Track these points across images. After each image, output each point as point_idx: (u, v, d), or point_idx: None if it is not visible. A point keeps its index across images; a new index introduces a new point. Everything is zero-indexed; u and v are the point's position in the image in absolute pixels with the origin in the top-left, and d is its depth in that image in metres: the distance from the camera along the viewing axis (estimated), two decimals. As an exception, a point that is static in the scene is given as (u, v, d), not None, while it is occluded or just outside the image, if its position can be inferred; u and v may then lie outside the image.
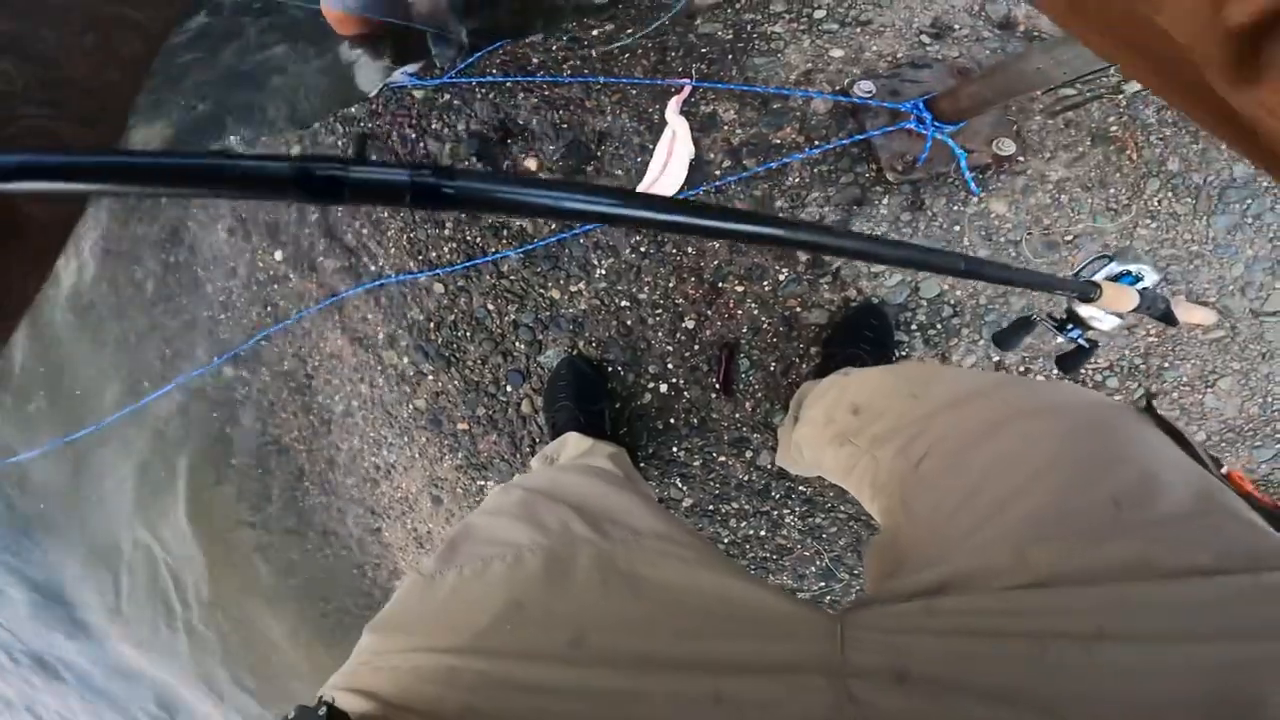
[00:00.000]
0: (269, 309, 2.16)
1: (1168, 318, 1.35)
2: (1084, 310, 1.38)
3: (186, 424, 2.41)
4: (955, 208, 1.52)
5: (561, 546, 0.74)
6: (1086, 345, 1.49)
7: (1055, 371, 1.59)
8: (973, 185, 1.50)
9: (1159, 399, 1.62)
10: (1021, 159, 1.50)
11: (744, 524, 1.82)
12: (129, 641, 2.90)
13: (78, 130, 0.32)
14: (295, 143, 2.04)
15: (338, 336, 2.08)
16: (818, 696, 0.56)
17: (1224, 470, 0.69)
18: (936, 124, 1.45)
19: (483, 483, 2.00)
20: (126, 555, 2.71)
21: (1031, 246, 1.53)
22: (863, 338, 1.53)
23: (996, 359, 1.59)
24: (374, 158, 0.30)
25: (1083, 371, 1.59)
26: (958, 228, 1.53)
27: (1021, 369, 1.60)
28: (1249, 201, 1.56)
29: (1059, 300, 1.56)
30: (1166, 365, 1.61)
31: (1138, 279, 1.34)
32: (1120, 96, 1.52)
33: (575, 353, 1.81)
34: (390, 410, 2.07)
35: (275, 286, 2.14)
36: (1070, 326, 1.42)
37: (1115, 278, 1.32)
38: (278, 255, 2.12)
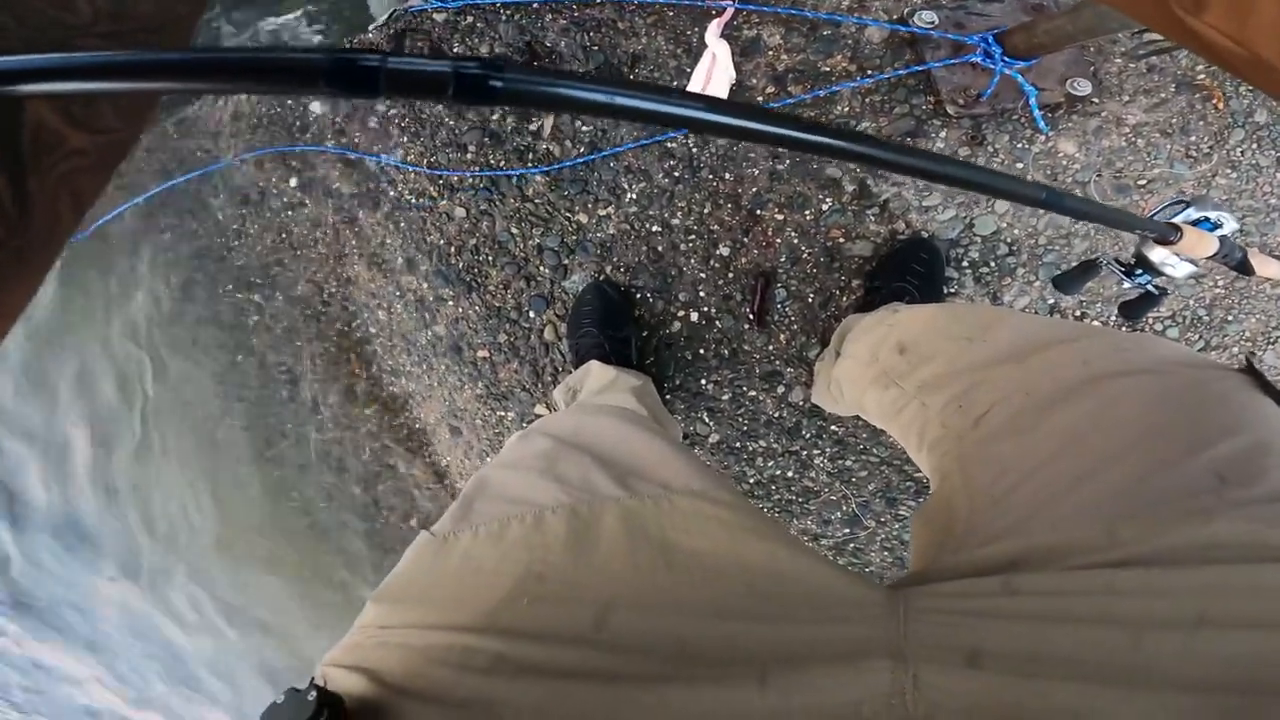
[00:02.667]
0: (283, 236, 2.00)
1: (1243, 267, 1.22)
2: (1156, 255, 1.24)
3: (196, 352, 2.27)
4: (1019, 145, 1.37)
5: (585, 506, 0.64)
6: (1155, 292, 1.35)
7: (1115, 317, 1.45)
8: (1041, 123, 1.34)
9: (1219, 352, 1.48)
10: (1096, 101, 1.34)
11: (771, 463, 1.69)
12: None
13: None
14: (343, 121, 1.86)
15: (355, 260, 1.93)
16: (877, 680, 0.48)
17: None
18: (1006, 59, 1.28)
19: (502, 413, 1.87)
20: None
21: (1100, 189, 1.37)
22: (911, 272, 1.38)
23: (1051, 302, 1.45)
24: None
25: (1103, 270, 1.45)
26: (1020, 165, 1.38)
27: (1077, 314, 1.46)
28: None
29: (1125, 243, 1.42)
30: (1230, 319, 1.48)
31: (1216, 226, 1.20)
32: None
33: (602, 278, 1.66)
34: (408, 337, 1.93)
35: (290, 213, 1.98)
36: (1139, 271, 1.29)
37: (1193, 223, 1.19)
38: (293, 182, 1.95)
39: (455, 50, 1.70)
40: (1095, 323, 1.45)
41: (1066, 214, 0.82)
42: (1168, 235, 1.01)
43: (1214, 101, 1.37)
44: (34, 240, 0.28)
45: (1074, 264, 1.43)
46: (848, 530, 1.73)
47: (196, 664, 2.80)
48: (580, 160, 1.62)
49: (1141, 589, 0.46)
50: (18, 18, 0.25)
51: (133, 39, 0.30)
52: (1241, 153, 1.42)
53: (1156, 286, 1.34)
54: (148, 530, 2.57)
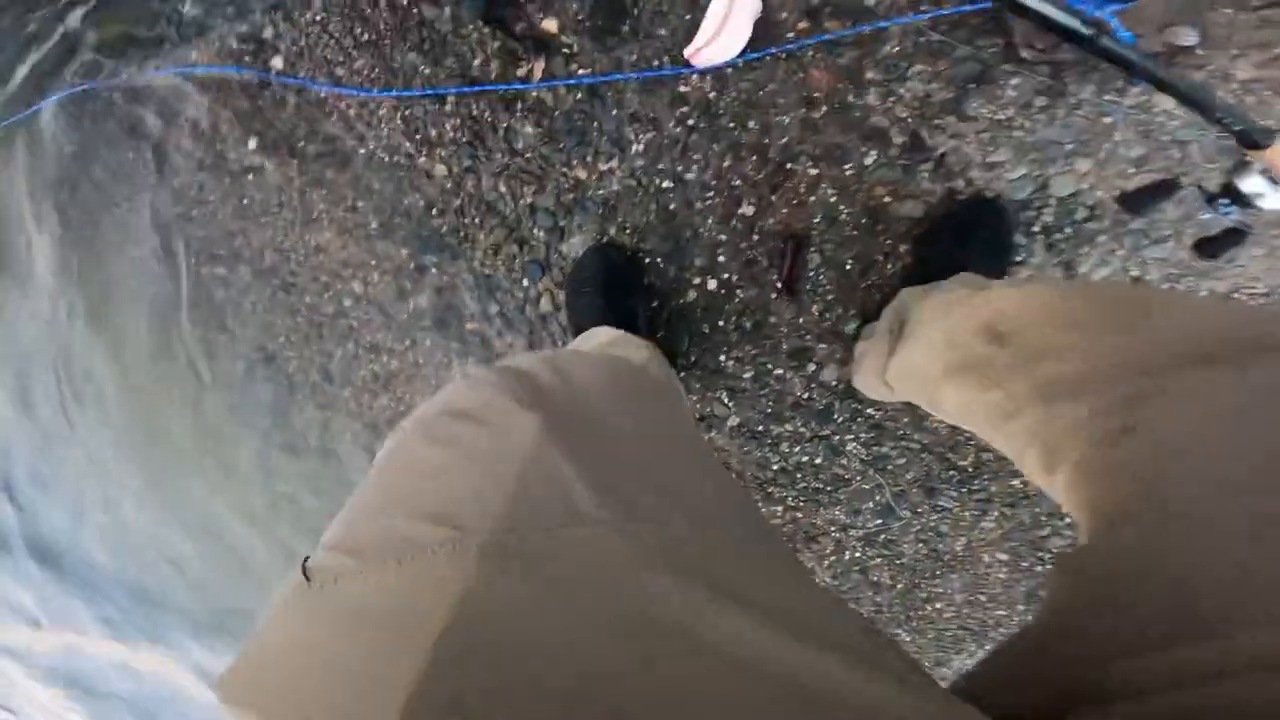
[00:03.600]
0: (243, 201, 1.74)
1: None
2: (1248, 183, 1.01)
3: (163, 335, 2.01)
4: (1107, 97, 1.12)
5: (542, 539, 0.40)
6: (1241, 228, 1.12)
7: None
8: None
9: None
10: (1202, 52, 1.09)
11: (797, 449, 1.49)
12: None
13: None
14: (262, 31, 1.57)
15: (323, 227, 1.67)
16: None
17: None
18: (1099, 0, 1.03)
19: (496, 394, 1.64)
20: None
21: (1204, 150, 1.13)
22: (974, 238, 1.15)
23: (1136, 275, 1.22)
24: None
25: (1233, 298, 1.23)
26: (1108, 119, 1.14)
27: (1165, 286, 1.23)
28: None
29: (1214, 173, 1.18)
30: None
31: None
32: None
33: (605, 241, 1.43)
34: (388, 310, 1.69)
35: (250, 178, 1.72)
36: (1224, 201, 1.05)
37: None
38: (251, 144, 1.69)
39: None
40: (1175, 257, 1.22)
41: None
42: (1260, 140, 0.80)
43: None
44: None
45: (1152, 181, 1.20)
46: (880, 521, 1.54)
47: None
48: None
49: None
50: None
51: None
52: None
53: (1243, 224, 1.11)
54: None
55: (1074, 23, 0.93)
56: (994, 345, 0.77)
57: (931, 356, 0.91)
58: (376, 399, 1.82)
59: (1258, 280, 1.22)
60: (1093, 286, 0.90)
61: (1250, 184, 0.98)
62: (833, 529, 1.57)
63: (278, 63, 1.58)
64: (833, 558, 1.62)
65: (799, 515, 1.56)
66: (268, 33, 1.58)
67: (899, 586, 1.64)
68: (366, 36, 1.49)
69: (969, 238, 1.15)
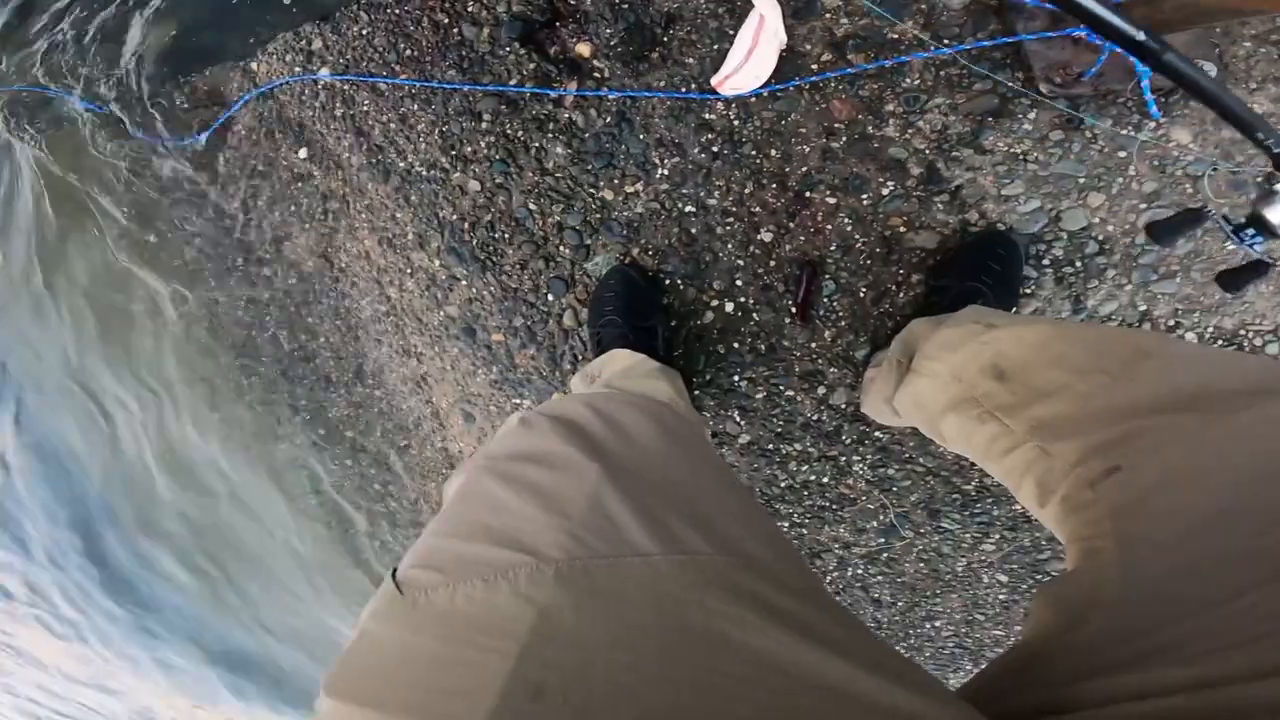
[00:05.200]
0: (292, 208, 1.76)
1: None
2: (1275, 214, 0.99)
3: (214, 330, 2.04)
4: (1125, 131, 1.10)
5: (606, 566, 0.45)
6: (1266, 262, 1.09)
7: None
8: (1154, 108, 1.08)
9: None
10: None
11: (805, 468, 1.47)
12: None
13: None
14: (311, 42, 1.59)
15: (365, 235, 1.69)
16: None
17: None
18: (1119, 36, 1.01)
19: (518, 400, 1.66)
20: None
21: (1214, 185, 1.11)
22: (986, 271, 1.13)
23: (1144, 309, 1.20)
24: None
25: (1240, 334, 1.20)
26: (1124, 153, 1.12)
27: (1170, 323, 1.21)
28: None
29: (1242, 202, 1.15)
30: None
31: None
32: None
33: (628, 261, 1.43)
34: (421, 317, 1.70)
35: (299, 184, 1.74)
36: (1250, 231, 1.03)
37: None
38: (302, 153, 1.70)
39: (471, 10, 1.44)
40: (1190, 336, 1.20)
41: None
42: None
43: None
44: None
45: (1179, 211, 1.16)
46: (883, 540, 1.52)
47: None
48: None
49: None
50: None
51: None
52: None
53: (1270, 254, 1.08)
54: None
55: (1139, 34, 0.90)
56: (996, 382, 0.78)
57: (937, 389, 0.92)
58: (406, 401, 1.83)
59: (1263, 317, 1.18)
60: (1092, 329, 0.89)
61: (1277, 214, 0.95)
62: (836, 546, 1.56)
63: (325, 73, 1.60)
64: (835, 573, 1.60)
65: (804, 531, 1.55)
66: (316, 44, 1.59)
67: (899, 604, 1.62)
68: (409, 52, 1.50)
69: (980, 271, 1.13)
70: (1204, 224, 1.14)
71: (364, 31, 1.54)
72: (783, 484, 1.49)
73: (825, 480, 1.47)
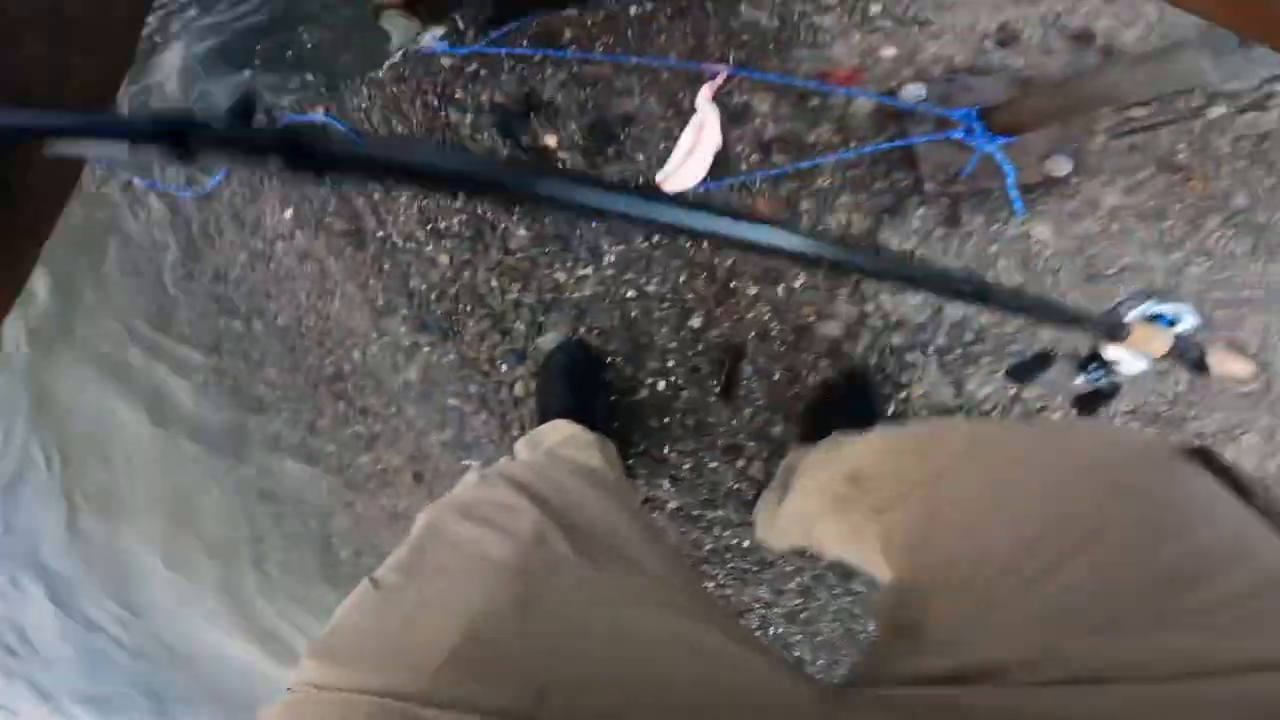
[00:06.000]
0: (271, 264, 1.88)
1: (1199, 366, 1.13)
2: (1110, 351, 1.15)
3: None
4: (994, 227, 1.27)
5: (540, 569, 0.60)
6: (1107, 389, 1.27)
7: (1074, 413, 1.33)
8: (1018, 205, 1.25)
9: None
10: (1075, 181, 1.24)
11: (728, 533, 1.56)
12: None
13: (83, 59, 0.31)
14: (314, 108, 1.76)
15: (335, 298, 1.81)
16: None
17: None
18: (987, 136, 1.19)
19: (467, 461, 1.74)
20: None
21: (1071, 277, 1.27)
22: (848, 405, 1.33)
23: (1013, 392, 1.33)
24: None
25: (1059, 361, 1.35)
26: (994, 248, 1.28)
27: (1040, 405, 1.34)
28: None
29: (1088, 336, 1.31)
30: (1193, 415, 1.36)
31: (1174, 322, 1.11)
32: (1195, 123, 1.25)
33: (575, 339, 1.55)
34: (381, 379, 1.80)
35: (279, 243, 1.87)
36: (1093, 366, 1.20)
37: (1152, 318, 1.10)
38: (288, 214, 1.84)
39: (458, 97, 1.61)
40: (1056, 415, 1.33)
41: (997, 307, 0.72)
42: (1116, 334, 0.91)
43: (1193, 183, 1.27)
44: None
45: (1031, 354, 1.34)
46: (800, 600, 1.60)
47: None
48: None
49: (1092, 711, 0.43)
50: None
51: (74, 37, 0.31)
52: (1217, 239, 1.32)
53: (1110, 382, 1.24)
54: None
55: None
56: (852, 487, 0.93)
57: (808, 501, 1.08)
58: (358, 457, 1.91)
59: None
60: (907, 430, 1.05)
61: (1111, 353, 1.10)
62: (758, 605, 1.63)
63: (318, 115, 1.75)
64: (759, 632, 1.67)
65: (729, 592, 1.62)
66: (317, 113, 1.75)
67: (820, 662, 1.68)
68: (401, 128, 1.66)
69: (842, 409, 1.31)
70: (1054, 364, 1.32)
71: (363, 105, 1.70)
72: (708, 547, 1.57)
73: (746, 545, 1.55)
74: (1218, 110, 1.26)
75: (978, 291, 0.65)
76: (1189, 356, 1.05)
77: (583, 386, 1.47)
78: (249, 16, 1.89)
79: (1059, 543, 0.53)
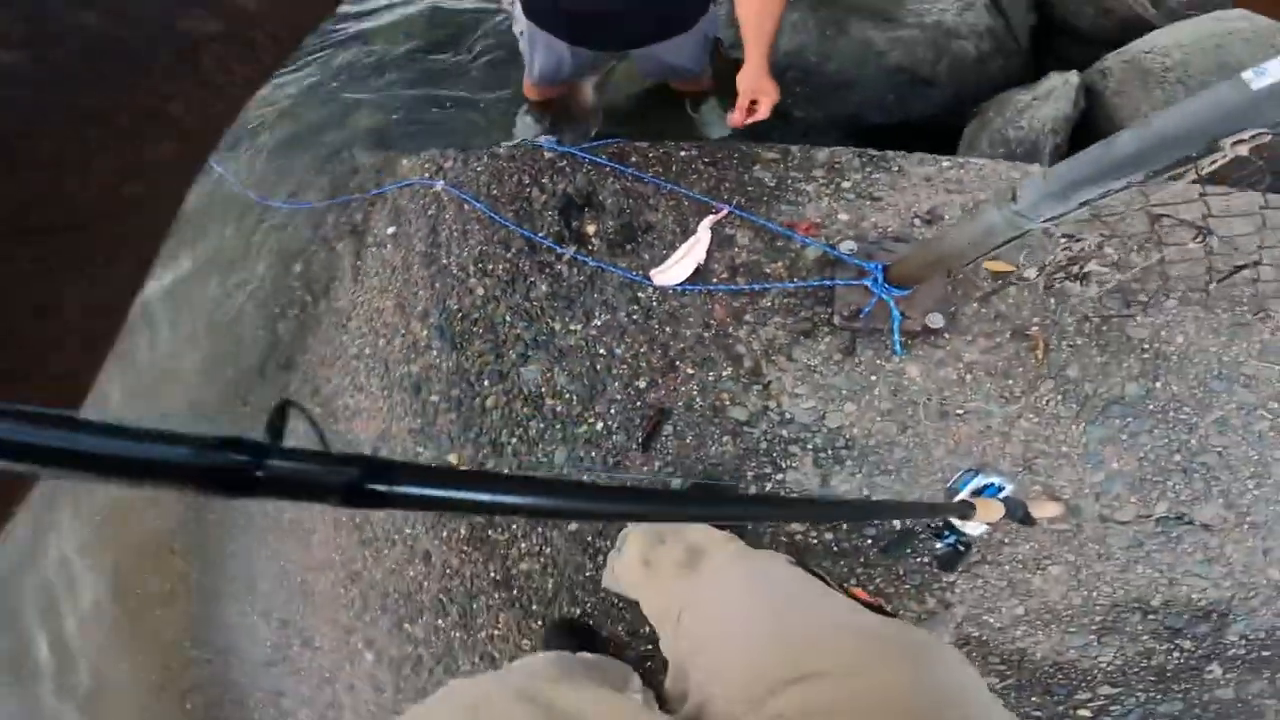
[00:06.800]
0: (357, 262, 2.32)
1: (1026, 520, 1.36)
2: (957, 520, 1.38)
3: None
4: (878, 361, 1.57)
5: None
6: (962, 548, 1.48)
7: (934, 568, 1.54)
8: (898, 346, 1.55)
9: (992, 566, 1.56)
10: (947, 335, 1.55)
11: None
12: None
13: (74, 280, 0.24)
14: (445, 160, 2.27)
15: (390, 298, 2.20)
16: None
17: (848, 589, 0.87)
18: (888, 286, 1.52)
19: (420, 450, 2.01)
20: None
21: (928, 411, 1.54)
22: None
23: (867, 493, 1.57)
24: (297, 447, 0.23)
25: (920, 536, 1.53)
26: (873, 378, 1.57)
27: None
28: (1129, 420, 1.56)
29: (938, 455, 1.54)
30: (1006, 542, 1.57)
31: (999, 489, 1.36)
32: (1050, 298, 1.56)
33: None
34: (389, 366, 2.14)
35: (375, 249, 2.31)
36: (946, 533, 1.43)
37: (980, 490, 1.35)
38: (390, 229, 2.30)
39: (543, 181, 2.07)
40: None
41: (882, 518, 1.02)
42: (966, 514, 1.18)
43: (1036, 352, 1.54)
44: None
45: (895, 532, 1.57)
46: (649, 646, 1.72)
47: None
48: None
49: None
50: None
51: (61, 235, 0.23)
52: (1047, 401, 1.57)
53: (962, 543, 1.46)
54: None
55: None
56: (659, 545, 1.28)
57: (630, 555, 1.39)
58: (337, 424, 2.20)
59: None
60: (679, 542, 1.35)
61: (958, 523, 1.36)
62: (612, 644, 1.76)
63: (440, 183, 2.23)
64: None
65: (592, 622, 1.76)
66: (447, 164, 2.25)
67: None
68: (495, 192, 2.13)
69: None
70: (918, 538, 1.55)
71: (477, 168, 2.20)
72: (587, 572, 1.75)
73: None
74: (1031, 272, 1.60)
75: (857, 511, 0.96)
76: (1017, 515, 1.28)
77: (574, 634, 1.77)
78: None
79: (750, 630, 0.79)
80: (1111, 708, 1.57)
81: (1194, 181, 0.99)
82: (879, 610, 0.80)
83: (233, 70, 0.26)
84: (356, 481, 0.23)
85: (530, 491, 0.29)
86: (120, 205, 0.24)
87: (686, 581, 1.12)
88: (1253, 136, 0.89)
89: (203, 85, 0.26)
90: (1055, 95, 2.16)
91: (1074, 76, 2.19)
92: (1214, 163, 0.92)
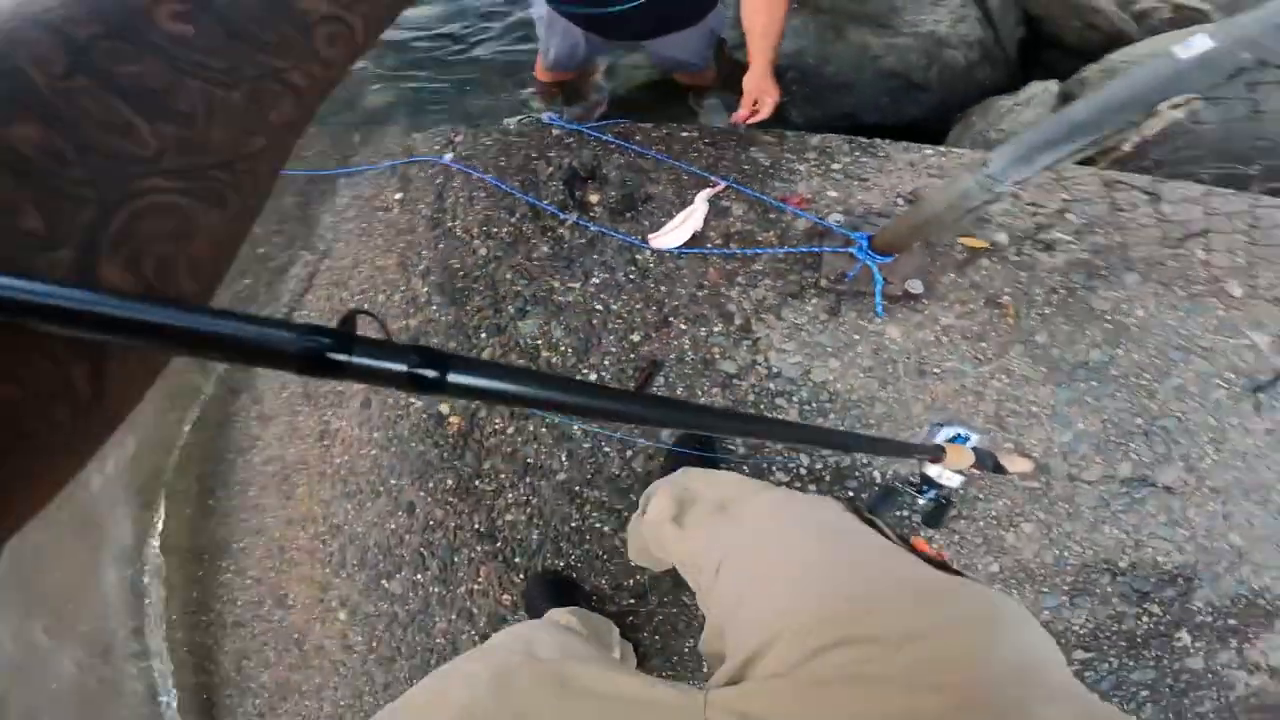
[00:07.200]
0: (364, 225, 2.38)
1: (998, 469, 1.44)
2: (933, 471, 1.46)
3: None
4: (861, 322, 1.65)
5: (506, 669, 0.77)
6: (944, 501, 1.55)
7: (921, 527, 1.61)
8: (880, 309, 1.64)
9: (968, 522, 1.62)
10: (925, 301, 1.64)
11: (596, 514, 1.80)
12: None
13: (207, 211, 0.27)
14: (456, 135, 2.35)
15: (393, 255, 2.26)
16: None
17: (910, 541, 0.81)
18: (871, 254, 1.61)
19: (405, 402, 2.05)
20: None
21: (906, 369, 1.62)
22: (697, 450, 1.66)
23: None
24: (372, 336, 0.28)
25: (903, 493, 1.60)
26: (856, 337, 1.65)
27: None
28: (1094, 384, 1.65)
29: (916, 416, 1.62)
30: (981, 498, 1.64)
31: (966, 439, 1.44)
32: (1021, 272, 1.66)
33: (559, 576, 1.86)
34: (388, 321, 2.18)
35: (382, 213, 2.38)
36: (926, 488, 1.50)
37: (951, 439, 1.43)
38: (399, 195, 2.37)
39: (550, 155, 2.15)
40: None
41: (857, 451, 1.06)
42: (937, 455, 1.25)
43: (1008, 318, 1.64)
44: (95, 423, 0.25)
45: (878, 488, 1.64)
46: (632, 601, 1.76)
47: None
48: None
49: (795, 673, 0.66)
50: (79, 148, 0.23)
51: (204, 175, 0.26)
52: (1017, 364, 1.67)
53: (944, 497, 1.53)
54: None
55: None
56: (679, 505, 1.26)
57: (656, 519, 1.37)
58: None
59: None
60: (721, 482, 1.35)
61: (933, 471, 1.42)
62: (594, 597, 1.80)
63: (448, 157, 2.31)
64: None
65: (575, 574, 1.80)
66: (457, 139, 2.32)
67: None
68: (503, 164, 2.21)
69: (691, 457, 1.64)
70: (900, 494, 1.62)
71: (486, 142, 2.27)
72: (573, 523, 1.80)
73: (606, 530, 1.78)
74: (1002, 237, 1.70)
75: (839, 440, 1.00)
76: (988, 463, 1.36)
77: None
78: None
79: (794, 583, 0.76)
80: (1085, 674, 1.62)
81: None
82: (943, 567, 0.75)
83: (336, 46, 0.32)
84: (418, 366, 0.28)
85: (557, 388, 0.34)
86: (249, 155, 0.29)
87: (726, 529, 1.05)
88: (1187, 101, 1.04)
89: (314, 58, 0.31)
90: (1035, 101, 2.28)
91: (1054, 85, 2.32)
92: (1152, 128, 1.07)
